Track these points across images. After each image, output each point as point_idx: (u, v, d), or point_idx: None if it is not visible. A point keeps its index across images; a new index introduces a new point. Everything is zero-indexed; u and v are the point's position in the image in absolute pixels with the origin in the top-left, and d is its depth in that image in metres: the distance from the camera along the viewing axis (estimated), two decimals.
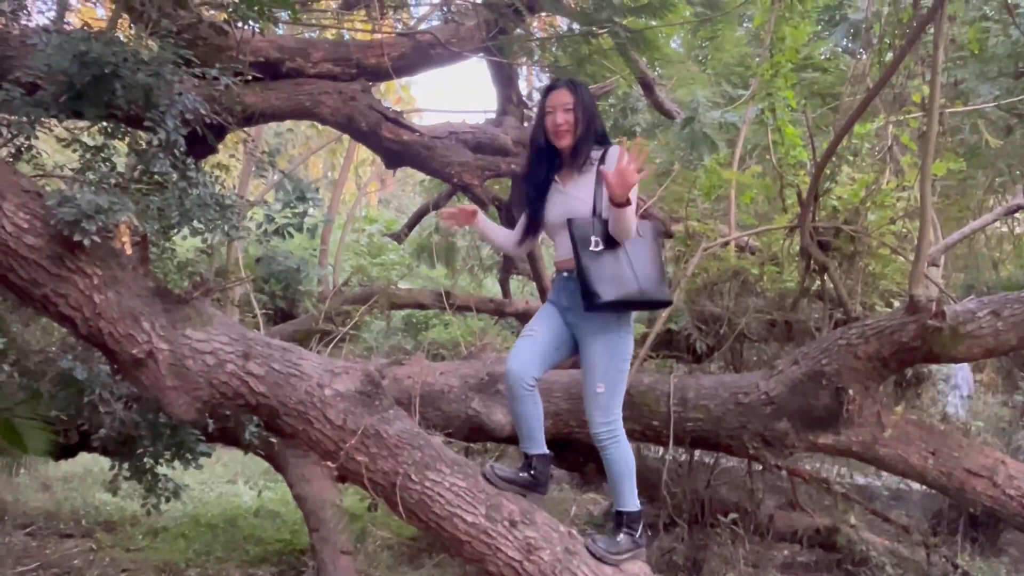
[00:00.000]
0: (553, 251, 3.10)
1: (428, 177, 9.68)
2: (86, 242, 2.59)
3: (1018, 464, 4.27)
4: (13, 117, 2.79)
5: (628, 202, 2.68)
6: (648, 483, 5.29)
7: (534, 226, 3.11)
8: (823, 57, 8.99)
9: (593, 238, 2.80)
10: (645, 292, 2.82)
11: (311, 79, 5.43)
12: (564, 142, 2.91)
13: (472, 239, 9.65)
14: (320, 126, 13.13)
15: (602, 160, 2.89)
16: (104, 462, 8.60)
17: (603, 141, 2.98)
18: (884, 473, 6.83)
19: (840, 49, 9.23)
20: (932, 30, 4.10)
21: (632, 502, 3.07)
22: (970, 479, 4.18)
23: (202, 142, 4.13)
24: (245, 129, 4.73)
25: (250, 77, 5.20)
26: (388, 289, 7.00)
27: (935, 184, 8.50)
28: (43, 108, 2.81)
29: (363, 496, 7.07)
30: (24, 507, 6.96)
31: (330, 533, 5.18)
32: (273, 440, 4.72)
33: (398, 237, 8.83)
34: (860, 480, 6.83)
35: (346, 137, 10.50)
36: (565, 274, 2.98)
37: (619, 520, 3.06)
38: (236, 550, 5.93)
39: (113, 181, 3.12)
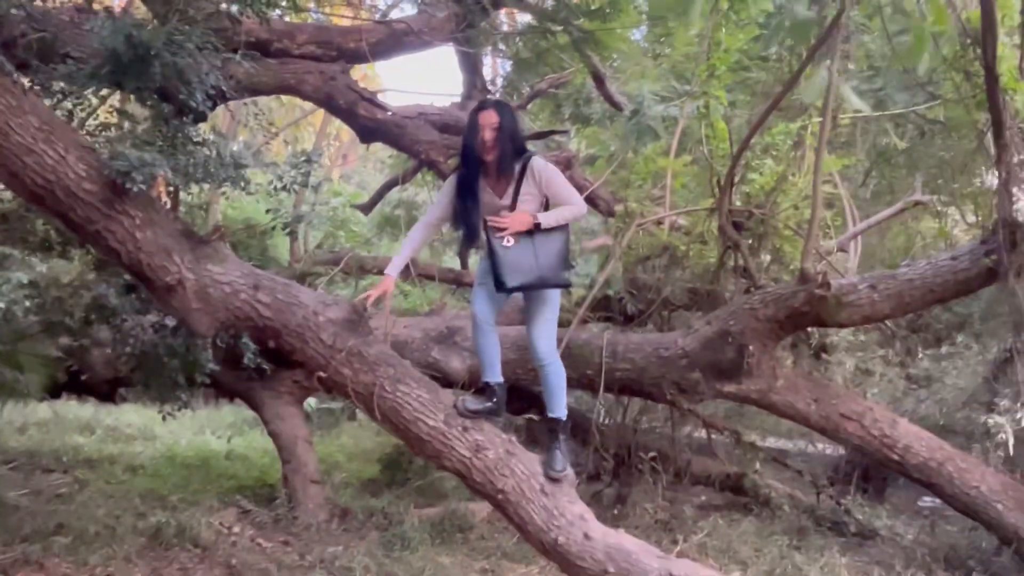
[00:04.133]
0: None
1: (391, 155, 10.42)
2: (135, 189, 3.33)
3: (883, 411, 5.26)
4: (72, 87, 3.50)
5: (536, 225, 3.45)
6: (583, 429, 6.21)
7: (473, 232, 3.71)
8: (771, 59, 9.90)
9: (506, 235, 3.53)
10: (544, 278, 3.57)
11: (296, 59, 6.16)
12: (490, 156, 3.61)
13: None
14: (284, 102, 13.81)
15: (523, 170, 3.62)
16: (77, 408, 9.22)
17: (523, 152, 3.68)
18: (794, 437, 7.89)
19: (784, 51, 10.16)
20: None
21: (564, 410, 3.85)
22: (844, 422, 5.16)
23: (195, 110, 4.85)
24: (244, 101, 5.42)
25: (238, 57, 5.91)
26: (356, 255, 7.76)
27: (868, 182, 9.53)
28: (95, 80, 3.53)
29: (330, 442, 7.90)
30: (3, 446, 7.57)
31: (301, 465, 5.99)
32: (255, 376, 5.47)
33: (364, 209, 9.56)
34: (772, 442, 7.86)
35: (315, 112, 11.15)
36: None
37: (554, 426, 3.84)
38: (212, 483, 6.66)
39: (141, 141, 3.85)
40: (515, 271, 3.50)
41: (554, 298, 3.76)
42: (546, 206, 3.68)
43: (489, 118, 3.57)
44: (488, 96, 3.35)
